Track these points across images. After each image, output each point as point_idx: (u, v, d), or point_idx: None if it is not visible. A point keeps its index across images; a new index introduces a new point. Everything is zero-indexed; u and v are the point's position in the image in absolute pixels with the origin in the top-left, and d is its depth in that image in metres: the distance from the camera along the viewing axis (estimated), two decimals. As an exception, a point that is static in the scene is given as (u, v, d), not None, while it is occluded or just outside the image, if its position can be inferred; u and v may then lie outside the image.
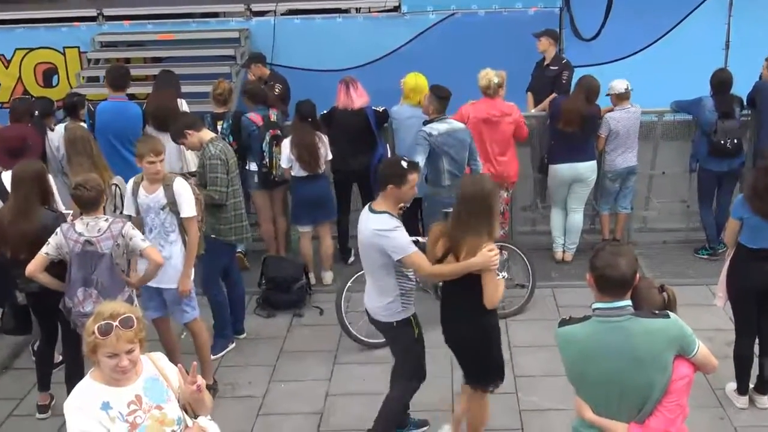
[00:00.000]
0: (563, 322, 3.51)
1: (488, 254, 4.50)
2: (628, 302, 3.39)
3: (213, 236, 6.16)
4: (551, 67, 8.56)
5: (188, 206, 5.55)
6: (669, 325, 3.36)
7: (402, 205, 4.85)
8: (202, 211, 5.79)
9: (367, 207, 4.84)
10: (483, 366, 4.85)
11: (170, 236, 5.59)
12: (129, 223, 5.16)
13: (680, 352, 3.38)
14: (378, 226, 4.66)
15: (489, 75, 7.21)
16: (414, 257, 4.67)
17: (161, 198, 5.53)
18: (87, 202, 5.05)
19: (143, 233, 5.42)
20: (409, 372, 5.05)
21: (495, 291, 4.58)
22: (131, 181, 5.67)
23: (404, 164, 4.71)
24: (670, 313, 3.42)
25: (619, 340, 3.34)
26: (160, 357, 3.47)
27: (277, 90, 8.25)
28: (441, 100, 6.74)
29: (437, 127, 6.68)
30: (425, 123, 6.78)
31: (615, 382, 3.39)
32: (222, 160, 6.02)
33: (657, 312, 3.43)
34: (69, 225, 5.08)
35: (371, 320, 5.07)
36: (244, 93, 7.63)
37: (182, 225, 5.58)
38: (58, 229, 5.07)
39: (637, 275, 3.42)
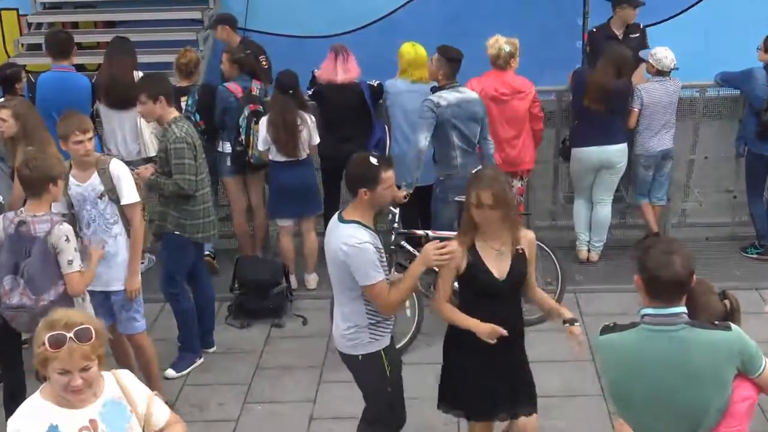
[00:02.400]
0: (606, 329, 3.51)
1: (427, 250, 4.47)
2: (683, 309, 3.38)
3: (177, 232, 6.16)
4: (632, 36, 8.35)
5: (129, 191, 5.53)
6: (731, 338, 3.35)
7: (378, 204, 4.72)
8: (143, 197, 5.77)
9: (336, 215, 4.71)
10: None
11: (113, 229, 5.57)
12: (68, 228, 5.02)
13: (743, 369, 3.37)
14: (343, 239, 4.48)
15: (499, 42, 7.19)
16: (376, 288, 4.48)
17: (97, 185, 5.50)
18: (27, 185, 5.04)
19: (79, 229, 5.41)
20: (373, 416, 4.92)
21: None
22: None
23: (374, 161, 4.55)
24: (733, 325, 3.41)
25: (672, 352, 3.34)
26: (126, 375, 3.43)
27: (264, 63, 8.25)
28: (451, 62, 6.70)
29: (446, 97, 6.66)
30: (433, 90, 6.78)
31: (665, 401, 3.38)
32: (189, 143, 6.00)
33: (717, 322, 3.42)
34: (12, 212, 5.10)
35: (337, 351, 4.91)
36: (233, 61, 7.59)
37: (124, 214, 5.56)
38: (1, 216, 5.08)
39: (694, 277, 3.40)
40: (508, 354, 4.57)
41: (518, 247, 4.50)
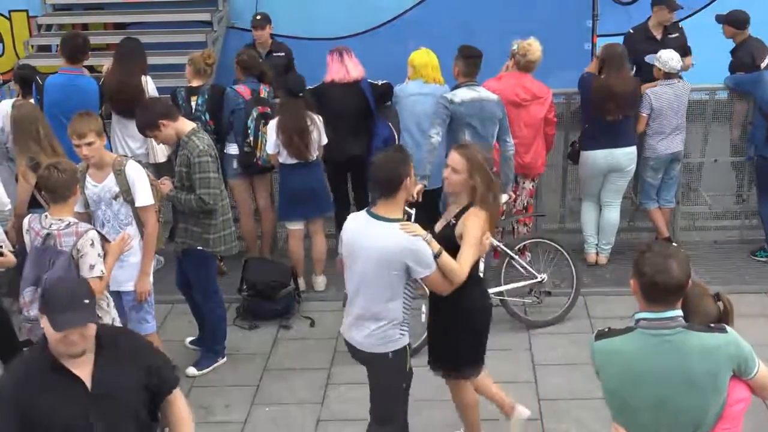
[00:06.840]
0: (601, 335, 3.50)
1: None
2: (679, 312, 3.39)
3: (200, 247, 6.13)
4: (671, 36, 8.31)
5: (144, 194, 5.54)
6: (727, 341, 3.36)
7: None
8: (160, 200, 5.77)
9: (366, 213, 4.67)
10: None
11: (126, 230, 5.56)
12: (94, 234, 5.02)
13: (737, 372, 3.39)
14: (407, 237, 4.52)
15: (538, 45, 7.14)
16: (437, 272, 4.63)
17: (112, 186, 5.51)
18: (55, 188, 4.95)
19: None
20: (384, 417, 4.89)
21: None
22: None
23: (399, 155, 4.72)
24: (728, 327, 3.42)
25: (670, 356, 3.34)
26: None
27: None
28: (468, 60, 6.76)
29: (461, 95, 6.70)
30: (453, 89, 6.83)
31: (664, 405, 3.39)
32: (212, 156, 5.96)
33: (712, 325, 3.43)
34: (37, 216, 5.09)
35: (355, 353, 4.89)
36: (236, 62, 7.61)
37: (138, 216, 5.57)
38: (25, 220, 5.08)
39: (690, 280, 3.40)
40: None
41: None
